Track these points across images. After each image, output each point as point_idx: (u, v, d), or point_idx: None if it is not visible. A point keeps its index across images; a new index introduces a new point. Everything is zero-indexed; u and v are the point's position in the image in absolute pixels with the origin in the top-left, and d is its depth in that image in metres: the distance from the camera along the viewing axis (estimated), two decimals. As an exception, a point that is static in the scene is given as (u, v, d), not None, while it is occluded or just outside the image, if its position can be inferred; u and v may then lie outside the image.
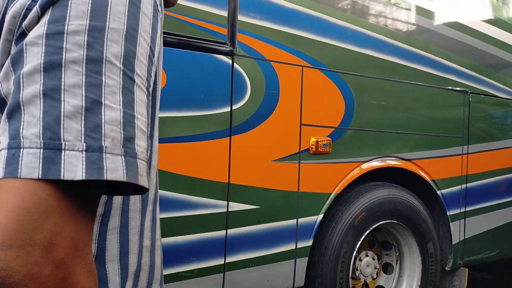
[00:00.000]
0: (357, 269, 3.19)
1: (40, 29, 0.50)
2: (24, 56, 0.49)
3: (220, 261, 2.46)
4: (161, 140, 2.24)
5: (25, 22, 0.51)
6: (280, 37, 2.65)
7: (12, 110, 0.48)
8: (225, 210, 2.47)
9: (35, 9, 0.51)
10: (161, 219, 2.25)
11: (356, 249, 3.01)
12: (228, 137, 2.48)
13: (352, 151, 2.95)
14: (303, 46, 2.74)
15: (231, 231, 2.49)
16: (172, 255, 2.32)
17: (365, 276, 3.21)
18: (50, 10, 0.51)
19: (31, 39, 0.50)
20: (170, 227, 2.30)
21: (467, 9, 3.59)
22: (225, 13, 2.45)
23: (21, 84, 0.48)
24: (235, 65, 2.49)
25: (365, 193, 3.05)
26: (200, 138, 2.39)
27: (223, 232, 2.47)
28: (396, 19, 3.20)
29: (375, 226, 3.10)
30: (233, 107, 2.49)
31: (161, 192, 2.27)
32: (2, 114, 0.51)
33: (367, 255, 3.23)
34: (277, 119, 2.64)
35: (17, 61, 0.50)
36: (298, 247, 2.74)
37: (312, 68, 2.78)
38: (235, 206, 2.50)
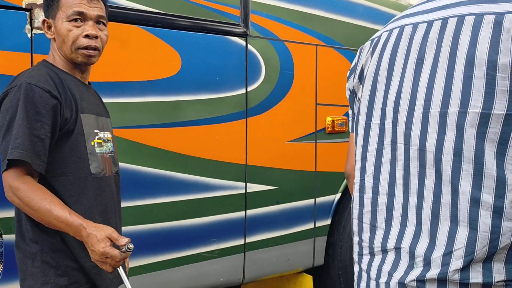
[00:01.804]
0: (375, 247, 3.20)
1: None
2: None
3: (241, 242, 2.49)
4: (177, 124, 2.26)
5: None
6: (293, 17, 2.63)
7: None
8: (244, 191, 2.49)
9: None
10: (180, 201, 2.28)
11: (374, 226, 3.02)
12: (244, 119, 2.48)
13: (369, 129, 2.94)
14: (317, 25, 2.71)
15: (250, 212, 2.52)
16: (192, 237, 2.36)
17: (384, 253, 3.23)
18: None
19: None
20: (189, 209, 2.33)
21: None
22: (237, -6, 2.43)
23: None
24: (249, 46, 2.48)
25: (382, 171, 3.04)
26: (216, 120, 2.40)
27: (242, 213, 2.49)
28: (411, -7, 3.15)
29: (393, 203, 3.10)
30: (248, 89, 2.49)
31: (180, 175, 2.30)
32: None
33: (385, 233, 3.24)
34: (292, 100, 2.64)
35: None
36: (316, 226, 2.76)
37: (326, 47, 2.76)
38: (253, 187, 2.52)
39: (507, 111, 0.79)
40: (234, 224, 2.47)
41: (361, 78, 1.09)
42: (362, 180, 1.03)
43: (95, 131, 1.54)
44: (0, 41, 1.84)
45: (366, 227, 1.01)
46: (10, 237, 1.83)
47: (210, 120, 2.39)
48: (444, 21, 0.89)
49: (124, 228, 2.09)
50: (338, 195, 2.84)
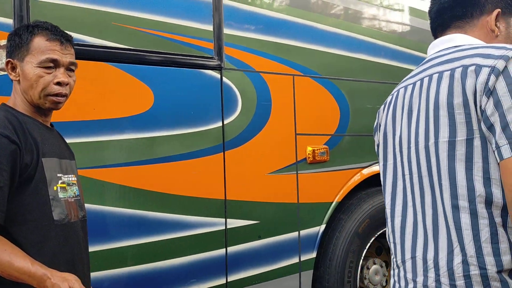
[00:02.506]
0: (365, 278, 3.11)
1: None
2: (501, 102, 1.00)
3: (222, 281, 2.39)
4: (152, 161, 2.20)
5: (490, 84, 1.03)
6: (268, 48, 2.61)
7: (504, 125, 0.99)
8: (223, 227, 2.41)
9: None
10: (157, 242, 2.20)
11: (362, 257, 2.93)
12: (222, 153, 2.42)
13: (351, 157, 2.89)
14: (293, 55, 2.69)
15: (231, 249, 2.43)
16: (171, 279, 2.26)
17: (374, 285, 3.13)
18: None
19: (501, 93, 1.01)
20: (167, 249, 2.24)
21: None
22: (210, 28, 2.41)
23: (504, 115, 0.99)
24: (224, 79, 2.45)
25: (368, 199, 2.98)
26: (193, 155, 2.34)
27: (223, 251, 2.40)
28: (387, 20, 3.16)
29: (380, 232, 3.02)
30: (225, 122, 2.44)
31: (156, 214, 2.22)
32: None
33: (374, 263, 3.15)
34: (271, 131, 2.59)
35: (497, 105, 1.00)
36: (302, 260, 2.67)
37: (303, 76, 2.73)
38: (234, 223, 2.44)
39: (467, 137, 1.07)
40: (215, 263, 2.38)
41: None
42: (387, 208, 1.30)
43: (58, 175, 1.47)
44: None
45: (392, 246, 1.27)
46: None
47: (187, 156, 2.33)
48: (421, 80, 1.21)
49: (97, 274, 1.99)
50: (323, 227, 2.76)
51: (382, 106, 1.39)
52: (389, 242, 1.29)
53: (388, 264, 3.29)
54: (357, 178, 2.90)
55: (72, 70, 1.51)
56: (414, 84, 1.23)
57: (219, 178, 2.41)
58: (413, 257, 1.16)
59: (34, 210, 1.38)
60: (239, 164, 2.48)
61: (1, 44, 1.85)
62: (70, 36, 1.53)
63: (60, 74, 1.44)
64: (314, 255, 2.72)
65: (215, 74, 2.43)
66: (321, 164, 2.76)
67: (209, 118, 2.40)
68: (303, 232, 2.68)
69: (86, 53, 2.04)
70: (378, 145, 1.39)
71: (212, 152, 2.40)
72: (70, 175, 1.52)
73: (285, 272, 2.61)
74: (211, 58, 2.42)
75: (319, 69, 2.80)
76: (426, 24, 3.33)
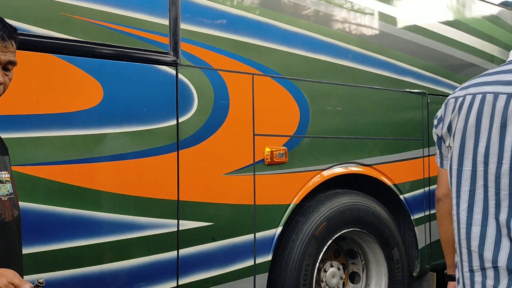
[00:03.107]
0: (322, 281, 3.08)
1: None
2: None
3: (173, 284, 2.32)
4: (101, 159, 2.10)
5: None
6: (227, 45, 2.55)
7: None
8: (175, 229, 2.33)
9: None
10: (105, 243, 2.11)
11: (319, 260, 2.90)
12: (176, 152, 2.34)
13: (310, 159, 2.86)
14: (253, 54, 2.64)
15: (183, 251, 2.35)
16: (119, 282, 2.17)
17: (331, 287, 3.11)
18: None
19: None
20: (115, 251, 2.15)
21: (423, 11, 3.56)
22: (166, 22, 2.33)
23: None
24: (180, 75, 2.37)
25: (326, 201, 2.96)
26: (145, 154, 2.26)
27: (174, 253, 2.33)
28: (350, 22, 3.14)
29: (338, 235, 3.00)
30: (180, 120, 2.36)
31: (103, 214, 2.12)
32: None
33: (332, 266, 3.13)
34: (228, 130, 2.53)
35: None
36: (257, 262, 2.62)
37: (263, 76, 2.68)
38: (186, 224, 2.37)
39: None
40: (165, 266, 2.30)
41: (450, 130, 1.44)
42: (458, 214, 1.35)
43: None
44: None
45: (464, 251, 1.33)
46: None
47: (138, 154, 2.24)
48: None
49: (37, 277, 1.88)
50: (279, 229, 2.72)
51: (453, 100, 1.40)
52: (460, 247, 1.36)
53: (346, 267, 3.28)
54: (316, 180, 2.87)
55: (10, 69, 1.40)
56: (509, 95, 1.22)
57: (173, 178, 2.33)
58: (496, 267, 1.26)
59: None
60: (194, 163, 2.41)
61: None
62: (15, 30, 1.40)
63: None
64: (269, 257, 2.67)
65: (170, 70, 2.35)
66: (279, 166, 2.71)
67: (163, 116, 2.32)
68: (259, 235, 2.63)
69: (31, 44, 1.93)
70: (441, 139, 1.46)
71: (166, 151, 2.32)
72: (2, 172, 1.42)
73: (240, 275, 2.55)
74: (167, 53, 2.33)
75: (279, 69, 2.75)
76: (389, 28, 3.33)
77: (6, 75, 1.38)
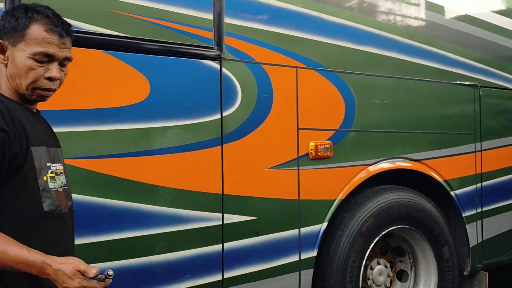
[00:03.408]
0: (368, 278, 3.01)
1: None
2: None
3: (218, 277, 2.33)
4: (147, 152, 2.14)
5: None
6: (270, 38, 2.53)
7: None
8: (220, 222, 2.34)
9: None
10: (151, 235, 2.13)
11: (365, 257, 2.84)
12: (220, 146, 2.35)
13: (356, 154, 2.80)
14: (296, 46, 2.60)
15: (228, 245, 2.36)
16: (164, 274, 2.20)
17: (378, 285, 3.03)
18: None
19: None
20: (161, 244, 2.18)
21: (474, 0, 3.41)
22: (210, 16, 2.34)
23: None
24: (224, 69, 2.37)
25: (372, 197, 2.89)
26: (189, 148, 2.27)
27: (219, 246, 2.34)
28: (396, 12, 3.05)
29: (385, 232, 2.93)
30: (224, 114, 2.37)
31: (150, 207, 2.16)
32: None
33: (379, 263, 3.06)
34: (272, 124, 2.51)
35: None
36: (302, 258, 2.59)
37: (307, 69, 2.65)
38: (231, 218, 2.37)
39: None
40: (211, 259, 2.31)
41: None
42: None
43: (47, 164, 1.39)
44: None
45: None
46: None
47: (183, 148, 2.26)
48: None
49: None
50: (325, 225, 2.67)
51: None
52: None
53: (393, 265, 3.19)
54: (362, 175, 2.80)
55: (65, 65, 1.43)
56: None
57: (217, 171, 2.34)
58: None
59: (23, 202, 1.30)
60: (238, 158, 2.40)
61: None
62: (70, 26, 1.44)
63: (54, 69, 1.36)
64: (315, 253, 2.63)
65: (215, 65, 2.35)
66: (324, 160, 2.67)
67: (207, 110, 2.33)
68: (304, 230, 2.60)
69: (81, 40, 1.98)
70: None
71: (210, 145, 2.33)
72: (57, 164, 1.46)
73: (284, 270, 2.53)
74: (211, 48, 2.34)
75: (324, 62, 2.70)
76: (438, 17, 3.21)
77: (62, 71, 1.41)
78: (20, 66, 1.34)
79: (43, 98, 1.42)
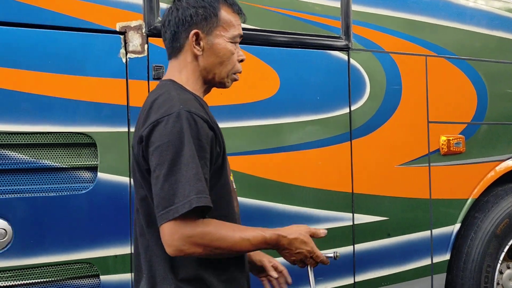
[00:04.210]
0: (498, 283, 2.76)
1: None
2: None
3: (350, 281, 2.20)
4: (276, 150, 2.06)
5: None
6: (398, 25, 2.36)
7: None
8: (351, 223, 2.21)
9: None
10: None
11: (500, 261, 2.60)
12: (349, 142, 2.22)
13: (489, 148, 2.56)
14: (426, 33, 2.41)
15: (358, 247, 2.23)
16: (292, 276, 2.10)
17: (509, 292, 2.77)
18: None
19: None
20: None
21: None
22: (338, 4, 2.20)
23: None
24: (351, 60, 2.24)
25: (506, 196, 2.64)
26: (318, 144, 2.16)
27: (350, 248, 2.21)
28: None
29: (520, 234, 2.66)
30: (352, 108, 2.23)
31: (278, 205, 2.07)
32: None
33: (508, 267, 2.80)
34: (401, 118, 2.34)
35: None
36: (434, 262, 2.40)
37: (437, 57, 2.44)
38: (361, 218, 2.24)
39: None
40: (342, 261, 2.19)
41: None
42: None
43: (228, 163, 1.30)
44: (93, 67, 1.73)
45: None
46: (107, 278, 1.69)
47: (311, 144, 2.15)
48: None
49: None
50: (457, 226, 2.47)
51: None
52: None
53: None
54: (497, 172, 2.56)
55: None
56: None
57: (346, 169, 2.21)
58: None
59: (225, 204, 1.23)
60: (367, 154, 2.26)
61: (132, 26, 1.78)
62: None
63: (240, 51, 1.31)
64: (447, 257, 2.44)
65: (342, 56, 2.22)
66: (456, 156, 2.46)
67: (335, 104, 2.20)
68: (436, 231, 2.41)
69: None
70: None
71: (339, 141, 2.20)
72: None
73: (416, 275, 2.36)
74: (338, 37, 2.21)
75: (454, 49, 2.49)
76: None
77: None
78: (223, 52, 1.26)
79: (227, 85, 1.34)
